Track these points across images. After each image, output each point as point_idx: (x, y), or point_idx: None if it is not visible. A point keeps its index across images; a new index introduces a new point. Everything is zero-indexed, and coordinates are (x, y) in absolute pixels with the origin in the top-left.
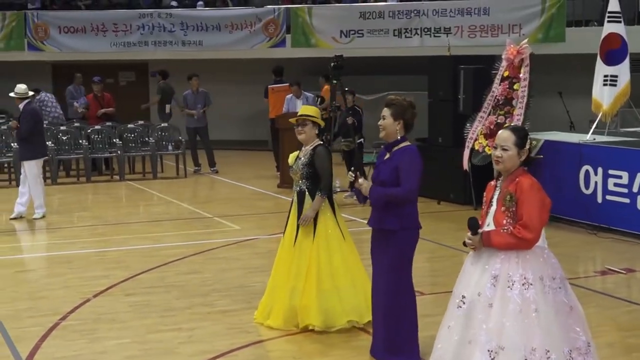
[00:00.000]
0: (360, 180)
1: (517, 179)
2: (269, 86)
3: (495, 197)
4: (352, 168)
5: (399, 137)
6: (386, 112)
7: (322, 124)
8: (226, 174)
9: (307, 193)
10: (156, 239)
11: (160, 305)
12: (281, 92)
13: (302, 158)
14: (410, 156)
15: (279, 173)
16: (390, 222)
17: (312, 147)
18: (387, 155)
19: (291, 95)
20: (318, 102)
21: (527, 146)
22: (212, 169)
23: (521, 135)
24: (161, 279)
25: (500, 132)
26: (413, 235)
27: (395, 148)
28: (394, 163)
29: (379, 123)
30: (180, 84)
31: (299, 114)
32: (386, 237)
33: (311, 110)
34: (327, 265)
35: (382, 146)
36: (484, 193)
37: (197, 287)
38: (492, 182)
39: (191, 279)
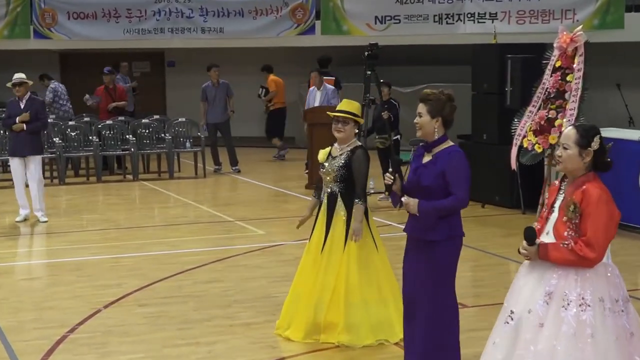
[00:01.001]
0: (404, 199)
1: (584, 187)
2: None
3: (558, 203)
4: (390, 170)
5: (437, 137)
6: (422, 108)
7: (362, 121)
8: (249, 174)
9: (339, 197)
10: (173, 245)
11: (177, 317)
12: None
13: (338, 158)
14: (459, 160)
15: (307, 172)
16: (437, 231)
17: (350, 149)
18: (428, 158)
19: (313, 87)
20: (262, 94)
21: (594, 146)
22: (233, 168)
23: (585, 134)
24: (178, 288)
25: (566, 129)
26: (457, 244)
27: (437, 150)
28: (439, 167)
29: (415, 121)
30: (199, 75)
31: (338, 108)
32: (428, 247)
33: (354, 106)
34: (357, 278)
35: (420, 144)
36: (546, 194)
37: (217, 297)
38: (557, 183)
39: (211, 288)
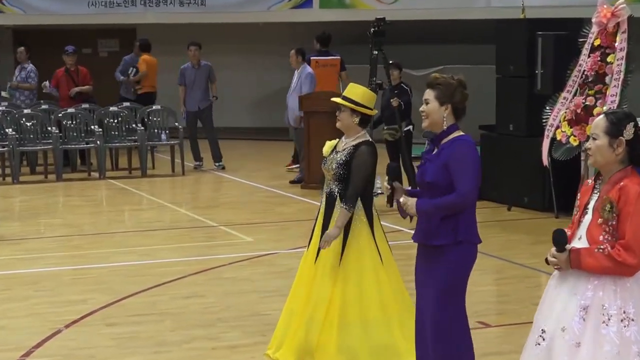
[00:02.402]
0: (402, 199)
1: (622, 183)
2: (312, 58)
3: (592, 203)
4: (387, 178)
5: (446, 127)
6: (429, 94)
7: (372, 113)
8: (235, 171)
9: (338, 198)
10: (146, 254)
11: (151, 339)
12: (327, 67)
13: (340, 153)
14: (462, 148)
15: (296, 166)
16: (440, 235)
17: (354, 143)
18: (435, 150)
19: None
20: (132, 74)
21: (627, 136)
22: (217, 164)
23: (616, 121)
24: (152, 304)
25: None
26: (468, 252)
27: (444, 141)
28: (442, 159)
29: (421, 109)
30: (177, 55)
31: (343, 94)
32: (434, 255)
33: (356, 92)
34: (355, 294)
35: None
36: (578, 194)
37: (198, 315)
38: (590, 182)
39: (191, 304)
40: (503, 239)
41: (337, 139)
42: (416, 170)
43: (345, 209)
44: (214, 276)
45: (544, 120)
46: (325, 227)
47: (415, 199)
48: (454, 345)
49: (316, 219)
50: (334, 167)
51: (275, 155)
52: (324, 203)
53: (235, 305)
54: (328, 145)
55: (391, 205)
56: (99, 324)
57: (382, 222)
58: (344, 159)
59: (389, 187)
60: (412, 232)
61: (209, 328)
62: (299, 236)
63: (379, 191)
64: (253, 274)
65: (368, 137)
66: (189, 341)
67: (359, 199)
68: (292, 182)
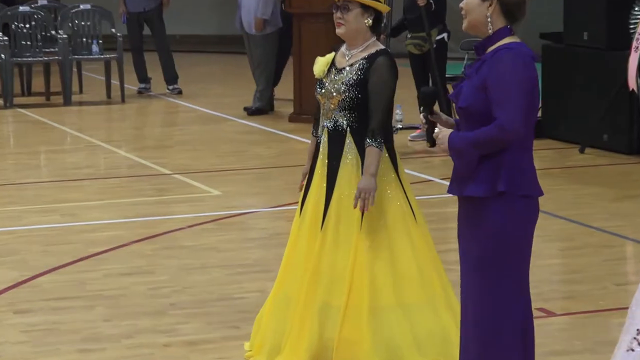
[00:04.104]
0: (436, 130)
1: None
2: None
3: None
4: (422, 109)
5: (492, 31)
6: None
7: (386, 9)
8: (196, 97)
9: (349, 135)
10: (71, 214)
11: (77, 332)
12: None
13: (347, 71)
14: (506, 60)
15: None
16: (475, 183)
17: (366, 55)
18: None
19: None
20: None
21: None
22: (170, 87)
23: None
24: (79, 284)
25: None
26: (525, 207)
27: (488, 50)
28: (481, 75)
29: (461, 5)
30: None
31: None
32: (473, 211)
33: None
34: (387, 267)
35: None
36: None
37: (143, 299)
38: None
39: (133, 284)
40: (572, 193)
41: (332, 53)
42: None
43: (375, 146)
44: (166, 244)
45: (631, 28)
46: (331, 175)
47: (449, 131)
48: (499, 340)
49: (312, 166)
50: (341, 90)
51: (248, 74)
52: (325, 141)
53: (195, 286)
54: (321, 64)
55: (431, 145)
56: (5, 310)
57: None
58: (355, 77)
59: (424, 121)
60: (447, 183)
61: (159, 317)
62: (284, 189)
63: (399, 125)
64: (221, 242)
65: (382, 46)
66: (130, 335)
67: None
68: (248, 109)
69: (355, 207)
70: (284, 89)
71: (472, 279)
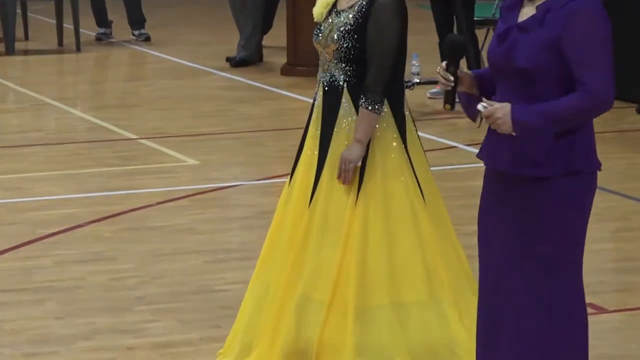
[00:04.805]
0: (483, 104)
1: None
2: None
3: None
4: (447, 60)
5: None
6: None
7: None
8: (167, 44)
9: (345, 90)
10: (15, 188)
11: (23, 333)
12: None
13: (344, 14)
14: (589, 14)
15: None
16: (544, 161)
17: None
18: (529, 10)
19: None
20: None
21: None
22: (136, 32)
23: None
24: (25, 274)
25: None
26: (585, 185)
27: None
28: (550, 30)
29: None
30: None
31: None
32: (528, 191)
33: None
34: (383, 258)
35: None
36: None
37: (103, 292)
38: None
39: (90, 274)
40: (627, 162)
41: None
42: (486, 45)
43: (368, 108)
44: (131, 225)
45: None
46: (324, 141)
47: (507, 105)
48: (557, 341)
49: (306, 128)
50: (335, 37)
51: (229, 15)
52: (320, 99)
53: (166, 275)
54: (321, 3)
55: (452, 107)
56: None
57: (419, 134)
58: (352, 21)
59: (451, 76)
60: (473, 150)
61: (122, 314)
62: (273, 157)
63: (416, 80)
64: (197, 222)
65: None
66: (87, 336)
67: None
68: (231, 60)
69: (338, 179)
70: (275, 35)
71: (527, 274)
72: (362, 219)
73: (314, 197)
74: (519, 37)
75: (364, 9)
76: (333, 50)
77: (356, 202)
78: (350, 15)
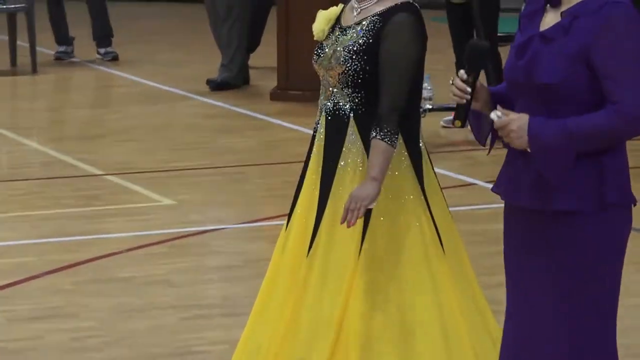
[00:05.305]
0: (496, 113)
1: None
2: None
3: None
4: (467, 68)
5: None
6: None
7: None
8: (138, 65)
9: (352, 120)
10: None
11: None
12: None
13: (351, 31)
14: (622, 22)
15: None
16: (579, 193)
17: (381, 9)
18: (553, 18)
19: None
20: None
21: None
22: (102, 50)
23: None
24: None
25: None
26: (620, 222)
27: (571, 1)
28: (577, 39)
29: None
30: None
31: None
32: (555, 228)
33: None
34: (392, 319)
35: None
36: None
37: (62, 353)
38: None
39: (49, 332)
40: None
41: (339, 5)
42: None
43: (385, 140)
44: (95, 276)
45: None
46: (326, 179)
47: (524, 116)
48: None
49: (306, 163)
50: (341, 58)
51: (209, 31)
52: (322, 129)
53: (136, 335)
54: (321, 20)
55: (463, 124)
56: None
57: (434, 170)
58: (362, 40)
59: (469, 87)
60: (489, 185)
61: None
62: (262, 197)
63: (428, 105)
64: (173, 273)
65: None
66: None
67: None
68: (212, 83)
69: (342, 221)
70: (264, 54)
71: (555, 322)
72: (367, 271)
73: (313, 245)
74: (542, 48)
75: (376, 27)
76: (338, 74)
77: (360, 250)
78: (360, 33)
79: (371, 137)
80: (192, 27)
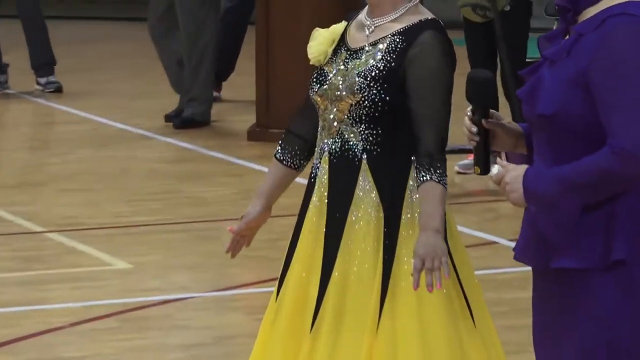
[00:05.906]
0: (496, 166)
1: None
2: None
3: None
4: (472, 106)
5: None
6: None
7: None
8: (85, 98)
9: (364, 163)
10: None
11: None
12: None
13: (368, 53)
14: (622, 40)
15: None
16: (581, 249)
17: (402, 26)
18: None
19: None
20: None
21: None
22: (43, 80)
23: None
24: None
25: None
26: (633, 282)
27: (587, 15)
28: (577, 62)
29: None
30: None
31: None
32: (567, 288)
33: None
34: None
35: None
36: None
37: None
38: None
39: None
40: None
41: (341, 24)
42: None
43: (441, 183)
44: (36, 355)
45: None
46: (333, 237)
47: (522, 167)
48: None
49: (301, 218)
50: (357, 87)
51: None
52: (324, 175)
53: None
54: (321, 40)
55: (483, 171)
56: None
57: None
58: (381, 65)
59: (474, 130)
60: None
61: None
62: (237, 259)
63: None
64: (128, 351)
65: (429, 13)
66: None
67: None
68: (173, 120)
69: (415, 287)
70: (239, 85)
71: None
72: (386, 348)
73: (318, 318)
74: (547, 73)
75: (399, 48)
76: (350, 105)
77: (378, 325)
78: (378, 56)
79: (422, 179)
80: (151, 51)
